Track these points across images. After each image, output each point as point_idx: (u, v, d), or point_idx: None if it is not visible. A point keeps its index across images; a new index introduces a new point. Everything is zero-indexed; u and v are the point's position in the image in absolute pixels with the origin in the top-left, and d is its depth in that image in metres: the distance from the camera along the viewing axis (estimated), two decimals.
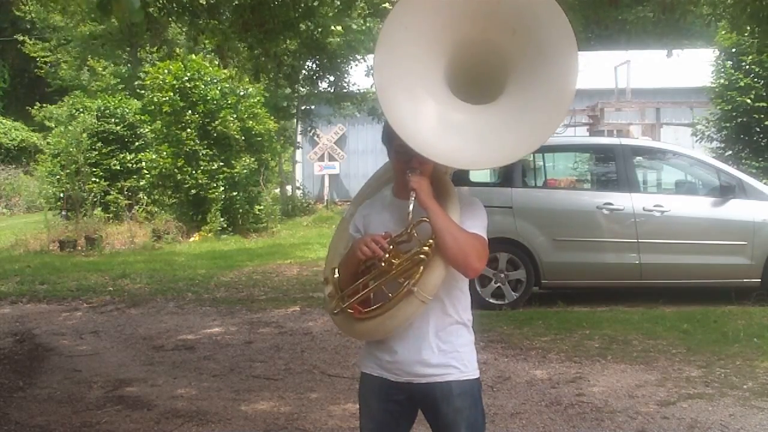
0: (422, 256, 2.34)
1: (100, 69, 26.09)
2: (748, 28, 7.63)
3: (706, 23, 8.52)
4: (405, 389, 2.50)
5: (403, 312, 2.38)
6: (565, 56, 2.25)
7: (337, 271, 2.52)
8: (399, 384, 2.50)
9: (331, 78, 20.37)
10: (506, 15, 2.25)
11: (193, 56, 15.76)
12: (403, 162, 2.42)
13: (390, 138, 2.41)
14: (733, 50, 15.08)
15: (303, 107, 21.63)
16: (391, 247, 2.39)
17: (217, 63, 15.01)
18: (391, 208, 2.53)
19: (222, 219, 15.19)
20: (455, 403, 2.47)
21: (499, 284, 8.08)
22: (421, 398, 2.51)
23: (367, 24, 17.65)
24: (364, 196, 2.76)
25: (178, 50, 13.40)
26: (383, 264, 2.39)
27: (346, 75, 20.51)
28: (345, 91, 20.59)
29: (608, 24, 8.38)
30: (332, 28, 15.34)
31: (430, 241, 2.36)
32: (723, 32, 14.36)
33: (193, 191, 15.18)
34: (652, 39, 8.88)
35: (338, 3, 9.15)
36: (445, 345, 2.47)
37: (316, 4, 7.93)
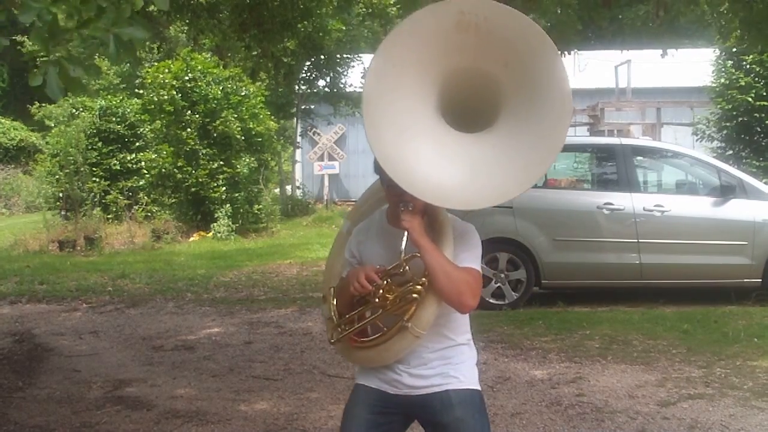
0: (415, 295, 2.35)
1: (105, 68, 26.06)
2: (738, 33, 7.62)
3: (706, 24, 8.52)
4: (402, 403, 2.49)
5: (398, 346, 2.40)
6: (558, 94, 2.18)
7: (333, 296, 2.53)
8: (397, 397, 2.49)
9: (328, 78, 20.43)
10: (497, 47, 2.19)
11: (197, 56, 15.77)
12: (395, 195, 2.39)
13: (380, 171, 2.37)
14: (734, 49, 15.07)
15: (303, 107, 21.64)
16: (385, 282, 2.39)
17: (218, 62, 15.06)
18: (385, 236, 2.50)
19: (227, 220, 15.18)
20: (456, 413, 2.45)
21: (499, 284, 8.07)
22: (420, 411, 2.50)
23: (366, 24, 17.68)
24: (360, 213, 2.75)
25: (180, 49, 13.41)
26: (377, 300, 2.40)
27: (343, 75, 20.56)
28: (342, 91, 20.64)
29: (601, 25, 8.40)
30: (331, 25, 15.34)
31: (423, 279, 2.35)
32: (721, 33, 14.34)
33: (193, 190, 15.17)
34: (647, 39, 8.87)
35: (336, 3, 9.15)
36: (444, 362, 2.49)
37: (314, 4, 7.93)
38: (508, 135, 2.23)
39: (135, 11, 2.57)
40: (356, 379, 2.63)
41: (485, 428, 2.51)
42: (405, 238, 2.36)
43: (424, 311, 2.35)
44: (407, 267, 2.37)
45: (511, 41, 2.16)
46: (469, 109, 2.34)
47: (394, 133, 2.24)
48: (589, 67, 20.66)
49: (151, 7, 7.23)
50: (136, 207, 15.56)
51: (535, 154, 2.21)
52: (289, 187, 22.34)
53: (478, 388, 2.55)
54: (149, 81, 16.23)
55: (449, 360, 2.49)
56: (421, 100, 2.26)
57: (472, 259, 2.48)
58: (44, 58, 2.57)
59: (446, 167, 2.23)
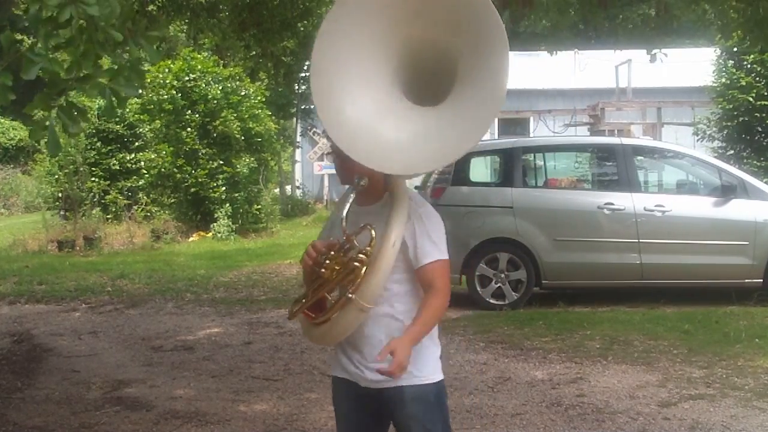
0: (356, 263, 2.34)
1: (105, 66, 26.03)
2: (738, 33, 7.61)
3: (704, 24, 8.50)
4: (370, 395, 2.50)
5: (344, 320, 2.38)
6: (496, 56, 2.20)
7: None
8: (366, 390, 2.51)
9: None
10: (441, 14, 2.22)
11: (197, 55, 15.74)
12: (347, 169, 2.43)
13: (332, 144, 2.41)
14: (735, 49, 15.04)
15: (303, 107, 21.62)
16: (332, 253, 2.40)
17: (218, 62, 15.05)
18: (353, 216, 2.48)
19: (227, 220, 15.15)
20: (408, 409, 2.44)
21: (499, 284, 8.05)
22: (383, 404, 2.50)
23: None
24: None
25: (180, 48, 13.41)
26: (324, 271, 2.39)
27: None
28: None
29: (597, 25, 8.40)
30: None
31: (368, 248, 2.34)
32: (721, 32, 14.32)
33: (193, 190, 15.15)
34: (642, 40, 8.86)
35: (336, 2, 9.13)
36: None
37: (314, 4, 7.92)
38: (453, 103, 2.26)
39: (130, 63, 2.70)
40: (331, 371, 2.68)
41: (437, 423, 2.47)
42: (345, 212, 2.38)
43: (369, 282, 2.34)
44: (355, 240, 2.38)
45: (454, 7, 2.20)
46: (431, 83, 2.35)
47: (339, 101, 2.27)
48: (589, 67, 20.64)
49: (151, 7, 7.22)
50: (135, 207, 15.53)
51: (473, 118, 2.24)
52: (288, 187, 22.32)
53: (436, 380, 2.50)
54: (149, 80, 16.21)
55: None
56: (372, 69, 2.29)
57: (436, 249, 2.46)
58: (44, 114, 2.72)
59: (389, 133, 2.27)
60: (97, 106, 17.37)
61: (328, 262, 2.39)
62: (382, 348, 2.33)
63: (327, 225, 2.74)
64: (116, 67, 2.65)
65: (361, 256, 2.33)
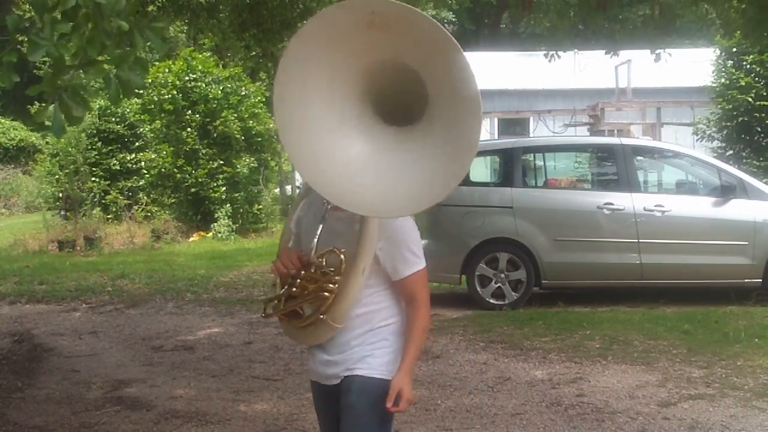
0: (326, 293, 2.37)
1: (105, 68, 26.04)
2: (739, 32, 7.62)
3: (704, 24, 8.50)
4: (332, 391, 2.52)
5: (315, 335, 2.46)
6: (467, 95, 2.08)
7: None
8: (329, 387, 2.53)
9: None
10: (410, 46, 2.11)
11: (198, 55, 15.74)
12: None
13: None
14: (734, 49, 15.06)
15: None
16: (303, 272, 2.42)
17: (218, 62, 15.04)
18: (324, 222, 2.45)
19: (227, 220, 15.15)
20: (350, 398, 2.44)
21: (499, 284, 8.06)
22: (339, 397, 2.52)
23: None
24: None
25: (180, 49, 13.40)
26: (295, 290, 2.43)
27: None
28: None
29: (595, 29, 8.41)
30: None
31: (337, 278, 2.36)
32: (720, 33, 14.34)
33: (193, 190, 15.16)
34: (643, 40, 8.87)
35: (335, 2, 9.13)
36: (361, 347, 2.48)
37: (314, 4, 7.92)
38: (423, 139, 2.16)
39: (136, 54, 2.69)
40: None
41: (373, 418, 2.44)
42: (318, 234, 2.39)
43: (339, 306, 2.38)
44: (324, 261, 2.41)
45: (421, 41, 2.09)
46: (400, 105, 2.26)
47: (304, 133, 2.19)
48: (589, 67, 20.64)
49: (151, 8, 7.23)
50: (135, 207, 15.53)
51: (449, 159, 2.12)
52: (289, 187, 22.31)
53: (386, 377, 2.46)
54: (149, 81, 16.22)
55: (366, 345, 2.48)
56: (339, 99, 2.20)
57: (414, 259, 2.46)
58: (49, 92, 2.71)
59: (358, 172, 2.17)
60: (98, 106, 17.39)
61: (299, 281, 2.43)
62: (390, 393, 2.38)
63: (299, 201, 2.72)
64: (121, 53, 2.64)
65: (330, 286, 2.37)
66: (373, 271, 2.42)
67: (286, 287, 2.47)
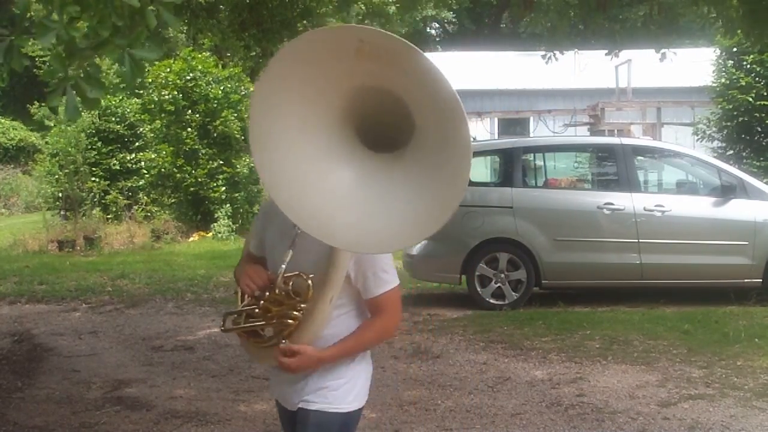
0: (290, 321, 2.28)
1: (105, 68, 26.02)
2: (740, 31, 7.61)
3: (705, 24, 8.50)
4: (292, 416, 2.42)
5: (274, 359, 2.33)
6: (458, 141, 1.95)
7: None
8: (290, 411, 2.43)
9: None
10: (398, 76, 2.01)
11: (198, 55, 15.73)
12: None
13: None
14: (734, 49, 15.06)
15: None
16: (267, 294, 2.33)
17: (217, 62, 15.04)
18: (289, 239, 2.32)
19: (227, 220, 15.15)
20: None
21: (499, 284, 8.06)
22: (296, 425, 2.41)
23: (365, 23, 17.66)
24: None
25: (180, 49, 13.39)
26: (258, 311, 2.34)
27: None
28: None
29: (595, 29, 8.41)
30: (331, 24, 15.33)
31: (302, 305, 2.27)
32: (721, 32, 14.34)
33: (193, 190, 15.16)
34: (641, 41, 8.87)
35: (335, 2, 9.14)
36: (322, 377, 2.36)
37: (314, 3, 7.93)
38: (405, 172, 2.05)
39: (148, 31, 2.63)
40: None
41: None
42: (287, 258, 2.27)
43: (302, 333, 2.28)
44: (290, 285, 2.29)
45: (409, 74, 1.99)
46: (383, 132, 2.15)
47: (279, 152, 2.09)
48: (589, 67, 20.64)
49: (151, 7, 7.22)
50: (135, 207, 15.53)
51: (430, 198, 1.99)
52: None
53: (349, 409, 2.37)
54: (150, 80, 16.21)
55: (328, 375, 2.36)
56: (318, 122, 2.09)
57: (387, 278, 2.35)
58: (61, 77, 2.62)
59: (333, 201, 2.06)
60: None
61: (263, 302, 2.34)
62: (288, 348, 2.28)
63: (265, 204, 2.62)
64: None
65: (295, 313, 2.28)
66: (343, 290, 2.31)
67: (248, 304, 2.38)
